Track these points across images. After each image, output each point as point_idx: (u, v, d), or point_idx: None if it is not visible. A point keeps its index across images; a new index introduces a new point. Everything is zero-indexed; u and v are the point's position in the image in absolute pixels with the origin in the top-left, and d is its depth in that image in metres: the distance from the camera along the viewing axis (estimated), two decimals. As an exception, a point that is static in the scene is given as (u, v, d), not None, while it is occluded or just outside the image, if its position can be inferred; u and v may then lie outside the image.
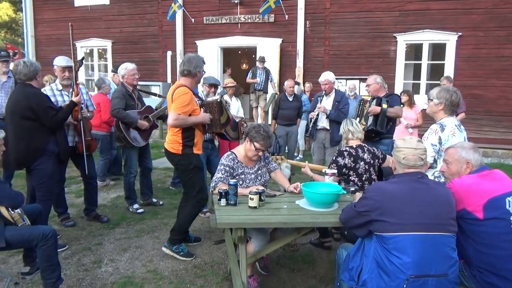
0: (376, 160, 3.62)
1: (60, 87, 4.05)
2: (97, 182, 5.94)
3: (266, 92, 9.68)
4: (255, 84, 9.55)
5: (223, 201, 2.73)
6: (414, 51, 10.08)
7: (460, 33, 8.92)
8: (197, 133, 3.50)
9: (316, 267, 3.55)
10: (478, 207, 2.20)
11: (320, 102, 5.45)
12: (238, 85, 8.23)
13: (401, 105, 5.00)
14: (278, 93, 9.99)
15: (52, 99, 3.85)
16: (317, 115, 5.40)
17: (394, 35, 9.45)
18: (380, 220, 2.11)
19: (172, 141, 3.46)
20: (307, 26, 10.05)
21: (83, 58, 4.35)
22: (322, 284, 3.25)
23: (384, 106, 4.49)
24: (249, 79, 9.63)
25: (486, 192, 2.22)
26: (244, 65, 14.30)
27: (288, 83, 6.82)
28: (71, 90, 4.10)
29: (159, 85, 10.68)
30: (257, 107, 9.83)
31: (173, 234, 3.64)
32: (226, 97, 5.85)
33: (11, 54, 16.61)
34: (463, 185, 2.29)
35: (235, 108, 5.84)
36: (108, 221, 4.47)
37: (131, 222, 4.53)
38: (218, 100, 3.72)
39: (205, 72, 3.62)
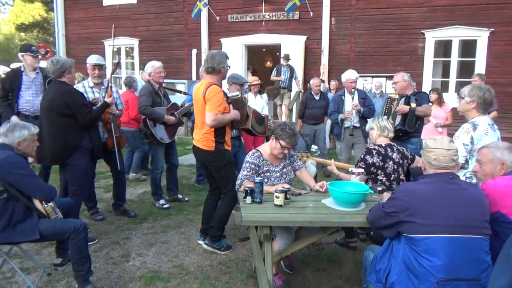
0: (405, 161, 3.53)
1: (91, 84, 4.18)
2: (130, 174, 6.17)
3: (290, 90, 9.65)
4: (280, 82, 9.53)
5: (248, 199, 2.74)
6: (443, 47, 9.81)
7: (492, 29, 8.62)
8: (227, 130, 3.54)
9: (341, 267, 3.52)
10: (513, 210, 2.13)
11: (345, 102, 5.39)
12: (274, 87, 8.23)
13: (430, 104, 4.88)
14: (302, 91, 9.94)
15: (84, 95, 3.97)
16: (354, 114, 5.32)
17: (422, 31, 9.23)
18: (409, 221, 2.07)
19: (204, 139, 3.45)
20: (333, 23, 9.94)
21: (118, 62, 4.45)
22: (348, 285, 3.22)
23: (413, 105, 4.39)
24: (273, 77, 9.62)
25: (522, 194, 2.14)
26: (268, 63, 14.30)
27: (314, 82, 6.77)
28: (102, 87, 4.22)
29: (184, 83, 10.82)
30: (281, 105, 9.81)
31: (213, 231, 3.66)
32: (250, 94, 5.89)
33: (43, 52, 17.23)
34: (498, 187, 2.21)
35: (260, 106, 5.85)
36: (135, 216, 4.57)
37: (157, 218, 4.61)
38: (239, 95, 3.76)
39: (229, 67, 3.60)
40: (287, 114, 9.36)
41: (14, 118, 4.25)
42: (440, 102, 6.24)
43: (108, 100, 3.93)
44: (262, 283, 2.44)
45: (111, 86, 4.08)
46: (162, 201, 4.93)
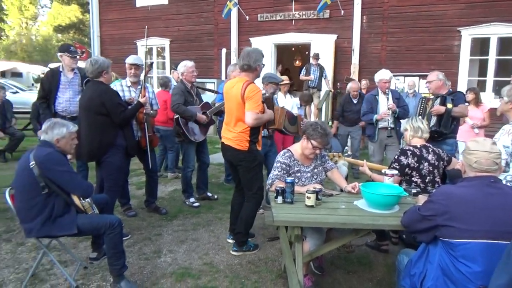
0: (441, 162, 3.42)
1: (129, 84, 4.31)
2: (169, 174, 6.34)
3: (320, 90, 9.56)
4: (309, 81, 9.46)
5: (279, 199, 2.73)
6: (480, 45, 9.44)
7: (533, 26, 8.22)
8: (260, 129, 3.53)
9: (372, 270, 3.46)
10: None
11: (379, 102, 5.27)
12: (307, 93, 8.17)
13: (466, 104, 4.70)
14: (332, 90, 9.83)
15: (121, 94, 4.10)
16: (391, 114, 5.15)
17: (458, 29, 8.91)
18: (448, 225, 2.00)
19: (238, 138, 3.39)
20: (364, 21, 9.76)
21: (151, 63, 4.57)
22: (379, 288, 3.16)
23: (449, 105, 4.24)
24: (302, 76, 9.56)
25: None
26: (297, 62, 14.22)
27: (352, 86, 6.74)
28: (138, 87, 4.33)
29: (214, 82, 10.92)
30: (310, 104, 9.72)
31: (239, 236, 3.65)
32: (279, 94, 5.87)
33: (79, 52, 17.85)
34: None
35: (290, 106, 5.83)
36: (167, 213, 4.66)
37: (187, 215, 4.69)
38: (269, 95, 3.76)
39: (264, 65, 3.53)
40: (316, 113, 9.27)
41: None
42: (477, 102, 6.02)
43: (141, 100, 4.03)
44: (292, 284, 2.43)
45: (145, 87, 4.18)
46: (192, 199, 5.00)
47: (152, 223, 4.42)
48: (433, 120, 4.31)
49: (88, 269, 3.30)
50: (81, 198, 2.85)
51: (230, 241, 3.80)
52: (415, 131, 3.46)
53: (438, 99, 4.34)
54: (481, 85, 8.93)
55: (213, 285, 3.12)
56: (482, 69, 9.21)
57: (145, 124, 4.25)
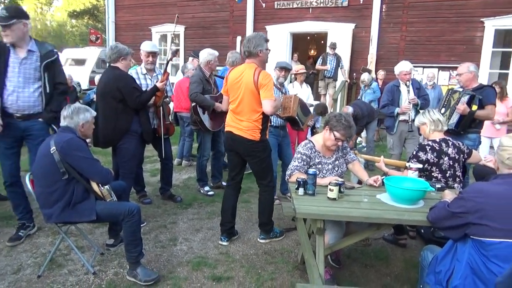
0: (461, 155, 3.31)
1: (144, 71, 4.25)
2: (183, 161, 6.32)
3: (335, 80, 9.42)
4: (325, 71, 9.32)
5: (301, 190, 2.68)
6: (504, 37, 9.15)
7: (560, 17, 7.93)
8: (269, 117, 3.45)
9: (390, 264, 3.40)
10: None
11: (401, 93, 5.11)
12: (322, 104, 7.99)
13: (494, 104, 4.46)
14: (348, 80, 9.67)
15: (137, 81, 4.04)
16: (411, 107, 5.02)
17: (481, 19, 8.63)
18: (480, 223, 1.92)
19: (251, 127, 3.30)
20: (383, 10, 9.53)
21: (177, 50, 4.45)
22: (398, 283, 3.10)
23: (474, 107, 4.02)
24: (319, 66, 9.41)
25: None
26: (312, 51, 14.03)
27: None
28: (154, 74, 4.28)
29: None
30: (325, 94, 9.60)
31: (263, 226, 3.67)
32: (295, 83, 5.79)
33: (93, 39, 17.86)
34: None
35: (305, 95, 5.74)
36: (181, 201, 4.65)
37: (202, 204, 4.67)
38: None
39: (269, 50, 3.38)
40: (331, 104, 9.15)
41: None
42: (502, 96, 5.82)
43: (159, 84, 3.97)
44: (314, 277, 2.38)
45: (167, 73, 4.06)
46: (207, 188, 4.98)
47: (167, 210, 4.41)
48: (455, 117, 4.11)
49: (105, 255, 3.31)
50: (100, 185, 2.83)
51: (225, 243, 3.62)
52: (435, 125, 3.33)
53: (467, 97, 4.08)
54: (503, 78, 8.66)
55: (229, 275, 3.09)
56: (505, 62, 8.95)
57: (162, 111, 4.20)
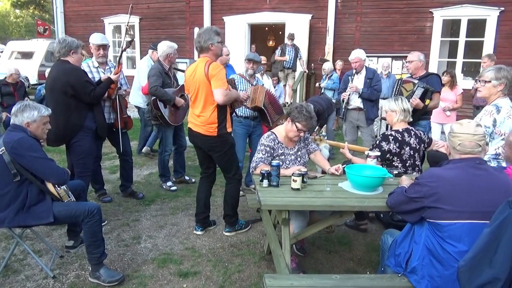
0: (422, 145, 3.40)
1: (96, 64, 4.07)
2: (144, 148, 6.20)
3: (294, 70, 9.50)
4: (284, 62, 9.38)
5: (265, 182, 2.69)
6: (451, 27, 9.62)
7: (502, 8, 8.43)
8: (227, 110, 3.42)
9: (352, 249, 3.52)
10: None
11: (352, 81, 5.30)
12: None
13: (441, 86, 4.73)
14: (306, 71, 9.80)
15: (89, 75, 3.87)
16: (349, 95, 5.29)
17: (430, 10, 9.02)
18: (435, 207, 2.03)
19: (206, 122, 3.28)
20: (339, 1, 9.70)
21: (131, 41, 4.27)
22: (360, 267, 3.22)
23: (427, 102, 4.24)
24: (277, 57, 9.46)
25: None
26: (270, 42, 14.07)
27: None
28: (107, 67, 4.11)
29: (186, 62, 10.61)
30: (285, 85, 9.67)
31: (228, 218, 3.68)
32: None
33: (41, 31, 16.88)
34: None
35: (267, 86, 5.75)
36: (143, 198, 4.55)
37: (165, 199, 4.59)
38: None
39: (220, 43, 3.36)
40: (290, 94, 9.25)
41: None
42: (452, 84, 6.15)
43: (113, 76, 3.82)
44: (280, 267, 2.42)
45: (120, 64, 3.92)
46: (169, 183, 4.90)
47: (129, 208, 4.30)
48: None
49: (65, 258, 3.19)
50: (56, 186, 2.70)
51: (199, 232, 3.70)
52: (404, 115, 3.35)
53: (421, 91, 4.22)
54: (451, 66, 9.12)
55: (196, 270, 3.08)
56: (452, 51, 9.42)
57: (118, 105, 4.06)
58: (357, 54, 5.28)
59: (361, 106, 5.28)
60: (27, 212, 2.59)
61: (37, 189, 2.63)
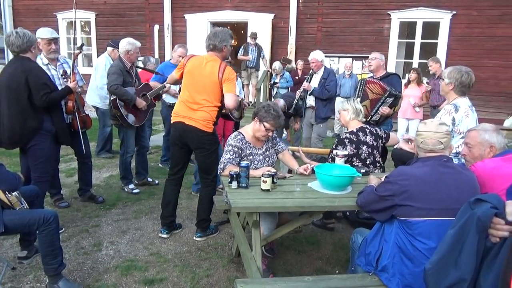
0: (380, 141, 3.48)
1: (46, 61, 3.75)
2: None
3: (257, 70, 9.49)
4: (247, 61, 9.33)
5: (234, 184, 2.62)
6: (407, 29, 9.99)
7: (454, 12, 8.85)
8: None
9: (321, 248, 3.53)
10: (501, 192, 2.15)
11: (310, 81, 5.46)
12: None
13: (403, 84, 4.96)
14: (270, 70, 9.81)
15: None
16: (302, 92, 5.53)
17: (388, 12, 9.31)
18: (405, 204, 2.05)
19: (205, 118, 3.26)
20: (300, 1, 9.79)
21: (82, 45, 4.02)
22: (329, 266, 3.23)
23: (396, 109, 4.51)
24: (240, 56, 9.40)
25: (510, 176, 2.17)
26: (232, 41, 13.97)
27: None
28: (58, 64, 3.84)
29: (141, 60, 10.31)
30: (248, 84, 9.63)
31: (202, 223, 3.57)
32: None
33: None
34: (486, 169, 2.24)
35: (237, 89, 5.70)
36: (104, 202, 4.34)
37: (127, 203, 4.40)
38: None
39: (232, 47, 3.44)
40: (254, 94, 9.22)
41: None
42: (418, 81, 6.45)
43: (71, 85, 3.58)
44: (251, 271, 2.36)
45: (75, 73, 3.69)
46: (131, 186, 4.71)
47: (88, 213, 4.08)
48: (377, 116, 4.39)
49: (17, 270, 2.94)
50: (6, 192, 2.48)
51: (165, 236, 3.58)
52: (357, 114, 3.45)
53: (391, 100, 4.32)
54: (407, 67, 9.48)
55: (162, 277, 2.95)
56: (408, 52, 9.78)
57: (75, 104, 3.82)
58: (314, 55, 5.49)
59: (313, 104, 5.52)
60: (-27, 222, 2.36)
61: (-16, 197, 2.40)
